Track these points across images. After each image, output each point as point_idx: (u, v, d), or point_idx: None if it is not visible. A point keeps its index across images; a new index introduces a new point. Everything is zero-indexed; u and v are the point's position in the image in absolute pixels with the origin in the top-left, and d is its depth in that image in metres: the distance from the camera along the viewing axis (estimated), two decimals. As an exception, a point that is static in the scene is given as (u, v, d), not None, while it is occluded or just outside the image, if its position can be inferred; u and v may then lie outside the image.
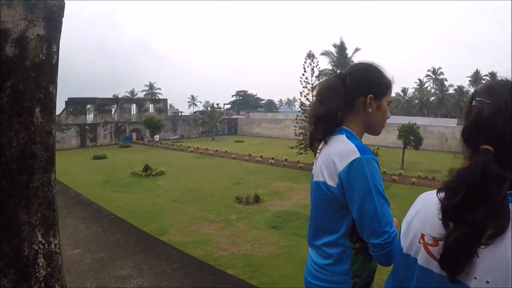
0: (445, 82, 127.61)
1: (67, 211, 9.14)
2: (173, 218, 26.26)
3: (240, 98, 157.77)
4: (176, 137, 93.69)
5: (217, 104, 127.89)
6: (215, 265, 18.33)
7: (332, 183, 2.48)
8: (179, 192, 34.36)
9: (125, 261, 5.73)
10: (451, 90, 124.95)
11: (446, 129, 66.59)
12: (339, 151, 2.46)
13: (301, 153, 44.83)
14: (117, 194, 35.03)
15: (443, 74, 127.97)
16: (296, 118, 47.40)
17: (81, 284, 5.28)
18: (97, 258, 5.99)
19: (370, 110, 2.62)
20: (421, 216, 1.93)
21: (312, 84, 45.88)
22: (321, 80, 55.77)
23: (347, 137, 2.53)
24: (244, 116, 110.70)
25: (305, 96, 45.45)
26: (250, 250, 20.29)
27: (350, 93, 2.63)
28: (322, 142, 2.68)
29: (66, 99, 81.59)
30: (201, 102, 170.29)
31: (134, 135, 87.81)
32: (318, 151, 2.75)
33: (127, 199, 32.55)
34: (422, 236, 1.87)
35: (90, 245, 6.61)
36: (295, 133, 47.23)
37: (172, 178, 41.08)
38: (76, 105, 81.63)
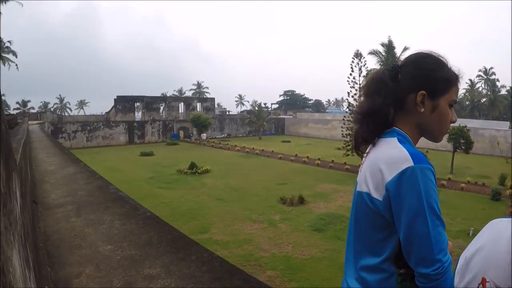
0: (497, 83, 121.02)
1: (105, 206, 9.07)
2: (216, 216, 26.29)
3: (288, 97, 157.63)
4: (223, 135, 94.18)
5: (265, 104, 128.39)
6: (255, 265, 18.25)
7: (377, 195, 2.05)
8: (224, 190, 34.40)
9: (155, 260, 5.58)
10: (503, 91, 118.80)
11: (498, 132, 63.97)
12: (388, 157, 2.05)
13: (347, 155, 44.17)
14: (162, 190, 35.48)
15: (495, 75, 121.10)
16: (343, 119, 46.74)
17: (109, 280, 5.18)
18: (127, 256, 5.87)
19: (422, 110, 2.17)
20: (485, 254, 1.57)
21: (359, 84, 45.13)
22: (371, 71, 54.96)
23: (399, 140, 2.12)
24: (291, 116, 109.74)
25: (352, 97, 44.81)
26: (292, 252, 20.01)
27: (400, 88, 2.21)
28: (370, 145, 2.28)
29: (115, 97, 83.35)
30: (248, 102, 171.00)
31: (181, 133, 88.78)
32: (364, 155, 2.33)
33: (171, 196, 32.91)
34: (483, 281, 1.51)
35: (123, 241, 6.50)
36: (342, 134, 46.57)
37: (218, 177, 41.15)
38: (125, 102, 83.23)
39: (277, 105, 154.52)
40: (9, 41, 77.96)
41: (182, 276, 5.03)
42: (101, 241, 6.62)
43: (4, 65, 75.58)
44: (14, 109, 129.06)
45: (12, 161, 2.31)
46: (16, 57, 77.35)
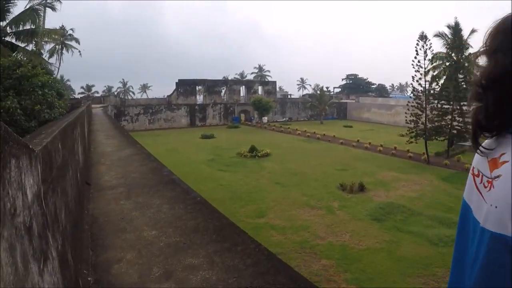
0: None
1: (156, 189, 8.92)
2: (274, 201, 26.03)
3: (350, 81, 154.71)
4: (284, 119, 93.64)
5: (327, 88, 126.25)
6: (310, 253, 17.86)
7: None
8: (283, 174, 34.05)
9: (199, 249, 5.32)
10: None
11: None
12: None
13: (411, 142, 42.65)
14: (221, 173, 35.56)
15: None
16: (407, 105, 45.06)
17: (148, 268, 4.98)
18: (171, 243, 5.65)
19: None
20: None
21: (424, 68, 43.39)
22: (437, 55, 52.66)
23: None
24: (353, 101, 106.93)
25: (417, 81, 43.04)
26: (348, 241, 19.49)
27: None
28: (495, 140, 1.48)
29: (177, 81, 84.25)
30: (310, 85, 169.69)
31: (242, 116, 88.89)
32: (485, 155, 1.51)
33: (230, 179, 32.94)
34: None
35: (168, 227, 6.29)
36: (406, 120, 44.89)
37: (277, 160, 40.84)
38: (186, 86, 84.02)
39: (339, 89, 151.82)
40: (71, 29, 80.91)
41: (225, 268, 4.74)
42: (147, 226, 6.43)
43: (68, 52, 78.79)
44: (79, 93, 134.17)
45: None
46: (79, 43, 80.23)
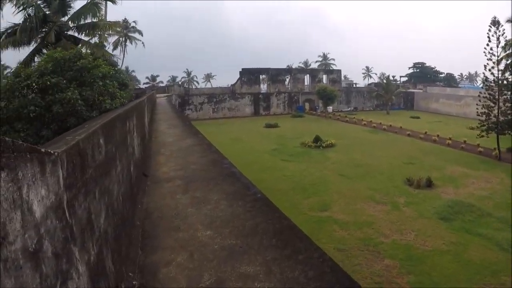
0: None
1: (215, 183, 8.54)
2: (338, 193, 25.40)
3: (417, 70, 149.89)
4: (349, 109, 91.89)
5: (393, 77, 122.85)
6: (373, 251, 17.14)
7: None
8: (348, 166, 33.23)
9: (256, 255, 4.85)
10: None
11: None
12: None
13: (481, 136, 40.08)
14: (285, 163, 35.12)
15: None
16: (479, 96, 42.58)
17: (199, 273, 4.61)
18: (226, 246, 5.23)
19: None
20: None
21: (497, 56, 40.80)
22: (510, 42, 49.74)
23: None
24: (421, 90, 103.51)
25: (489, 70, 40.50)
26: (414, 241, 18.53)
27: None
28: None
29: (241, 70, 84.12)
30: (376, 74, 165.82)
31: (307, 105, 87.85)
32: None
33: (294, 169, 32.46)
34: None
35: (224, 227, 5.87)
36: (477, 112, 42.36)
37: (342, 151, 39.94)
38: (250, 75, 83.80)
39: (405, 78, 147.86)
40: (134, 22, 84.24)
41: (284, 280, 4.26)
42: (202, 225, 6.05)
43: (131, 44, 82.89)
44: (144, 83, 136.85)
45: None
46: (142, 35, 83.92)
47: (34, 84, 15.29)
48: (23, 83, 15.60)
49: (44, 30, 27.93)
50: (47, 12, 28.09)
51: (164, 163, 11.39)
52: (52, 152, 2.35)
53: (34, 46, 27.93)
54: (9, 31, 28.19)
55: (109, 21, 33.54)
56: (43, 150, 2.19)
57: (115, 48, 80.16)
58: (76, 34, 29.92)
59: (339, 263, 15.26)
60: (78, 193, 2.90)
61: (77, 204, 2.84)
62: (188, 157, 12.28)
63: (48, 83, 15.15)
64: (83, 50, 25.87)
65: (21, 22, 27.59)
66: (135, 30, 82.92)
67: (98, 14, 29.94)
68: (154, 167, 11.02)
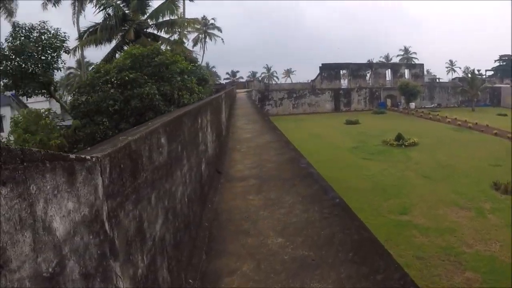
0: None
1: (291, 184, 8.15)
2: (420, 196, 24.23)
3: (504, 63, 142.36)
4: (432, 105, 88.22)
5: (478, 70, 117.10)
6: (454, 261, 16.06)
7: None
8: (430, 167, 31.77)
9: (329, 271, 4.44)
10: None
11: None
12: None
13: None
14: (365, 161, 34.31)
15: None
16: None
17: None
18: (297, 257, 4.82)
19: None
20: None
21: None
22: None
23: None
24: (508, 85, 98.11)
25: None
26: (498, 253, 17.00)
27: None
28: None
29: (320, 65, 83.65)
30: (460, 68, 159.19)
31: (388, 101, 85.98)
32: None
33: (375, 168, 31.55)
34: None
35: (297, 235, 5.47)
36: None
37: (425, 151, 38.26)
38: (330, 70, 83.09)
39: (491, 72, 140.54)
40: (213, 18, 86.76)
41: (358, 305, 3.83)
42: (273, 231, 5.70)
43: (211, 40, 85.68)
44: (224, 79, 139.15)
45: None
46: (221, 32, 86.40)
47: (113, 80, 15.62)
48: (102, 78, 15.96)
49: (124, 28, 28.93)
50: (127, 11, 28.94)
51: (239, 160, 11.15)
52: (88, 158, 2.06)
53: (115, 43, 28.89)
54: (90, 30, 29.45)
55: (187, 18, 34.08)
56: (72, 156, 1.89)
57: (195, 44, 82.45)
58: (155, 32, 30.79)
59: (418, 273, 14.56)
60: (126, 201, 2.63)
61: (123, 213, 2.56)
62: (265, 154, 11.98)
63: (127, 78, 15.46)
64: (163, 47, 26.53)
65: (101, 21, 28.64)
66: (214, 27, 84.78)
67: (175, 12, 30.71)
68: (229, 164, 10.80)
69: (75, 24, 43.40)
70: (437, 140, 43.65)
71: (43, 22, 22.10)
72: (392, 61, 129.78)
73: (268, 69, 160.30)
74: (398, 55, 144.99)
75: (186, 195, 5.20)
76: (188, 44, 55.84)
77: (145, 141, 3.27)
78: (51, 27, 22.22)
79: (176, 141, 4.76)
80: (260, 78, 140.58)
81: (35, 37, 21.50)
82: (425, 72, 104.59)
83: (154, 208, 3.37)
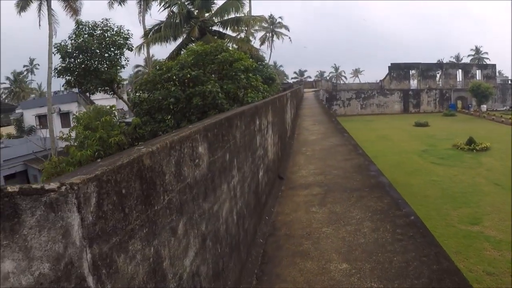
0: None
1: (359, 196, 7.31)
2: (492, 206, 22.53)
3: None
4: (504, 108, 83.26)
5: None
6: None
7: None
8: (504, 174, 29.42)
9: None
10: None
11: None
12: None
13: None
14: (434, 166, 32.68)
15: None
16: None
17: None
18: (363, 292, 3.94)
19: None
20: None
21: None
22: None
23: None
24: None
25: None
26: None
27: None
28: None
29: (389, 65, 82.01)
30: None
31: (459, 103, 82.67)
32: None
33: (444, 173, 29.95)
34: None
35: (365, 261, 4.71)
36: None
37: (497, 157, 36.01)
38: (399, 70, 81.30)
39: None
40: (280, 17, 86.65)
41: None
42: (337, 253, 4.93)
43: (278, 39, 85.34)
44: (292, 78, 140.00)
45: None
46: (289, 30, 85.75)
47: (174, 77, 15.17)
48: (164, 75, 15.56)
49: (188, 26, 28.76)
50: (191, 9, 28.71)
51: (303, 165, 10.42)
52: (52, 187, 1.37)
53: (180, 41, 28.68)
54: (156, 28, 29.39)
55: (253, 16, 33.52)
56: (14, 189, 1.21)
57: (262, 43, 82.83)
58: (221, 30, 30.51)
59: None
60: (130, 239, 1.94)
61: (125, 257, 1.88)
62: (330, 159, 11.17)
63: (188, 75, 14.96)
64: (229, 45, 26.13)
65: (165, 19, 28.59)
66: (282, 25, 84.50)
67: (241, 9, 30.27)
68: (292, 169, 10.09)
69: (141, 23, 43.70)
70: (510, 145, 41.18)
71: (106, 20, 22.13)
72: (462, 62, 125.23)
73: (336, 68, 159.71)
74: (469, 55, 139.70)
75: (235, 212, 4.49)
76: (255, 43, 55.85)
77: (169, 152, 2.56)
78: (113, 24, 22.23)
79: (222, 148, 4.04)
80: (328, 78, 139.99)
81: (98, 35, 21.51)
82: (497, 73, 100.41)
83: (182, 239, 2.67)
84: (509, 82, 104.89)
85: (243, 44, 29.48)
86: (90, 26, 21.33)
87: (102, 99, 35.14)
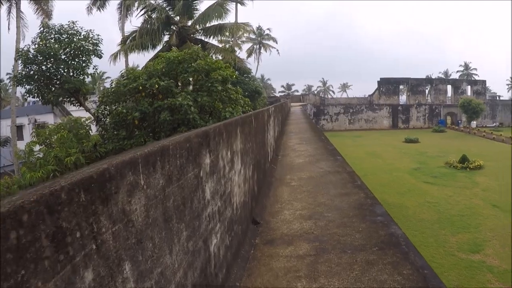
0: None
1: (365, 261, 5.35)
2: (492, 230, 21.06)
3: None
4: (494, 124, 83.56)
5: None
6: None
7: None
8: (501, 195, 27.88)
9: None
10: None
11: None
12: None
13: None
14: (428, 186, 31.10)
15: None
16: None
17: None
18: None
19: None
20: None
21: None
22: None
23: None
24: None
25: None
26: None
27: None
28: None
29: (379, 79, 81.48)
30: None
31: (448, 119, 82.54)
32: None
33: (438, 194, 28.37)
34: None
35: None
36: None
37: (492, 175, 34.59)
38: (389, 85, 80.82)
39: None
40: (268, 29, 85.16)
41: None
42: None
43: (266, 51, 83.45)
44: (279, 91, 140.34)
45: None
46: (277, 42, 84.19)
47: (140, 87, 13.05)
48: (129, 85, 13.44)
49: (168, 33, 26.93)
50: (172, 15, 26.80)
51: (287, 201, 8.35)
52: None
53: (159, 50, 26.66)
54: (134, 34, 27.27)
55: (238, 23, 31.52)
56: None
57: (249, 55, 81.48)
58: (203, 38, 28.65)
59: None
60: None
61: None
62: (322, 193, 9.03)
63: (157, 86, 12.84)
64: (213, 56, 24.38)
65: (141, 24, 26.79)
66: (270, 37, 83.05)
67: (223, 15, 28.40)
68: (272, 208, 8.02)
69: (121, 30, 41.36)
70: (504, 164, 39.28)
71: (73, 23, 19.93)
72: (451, 77, 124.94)
73: (324, 83, 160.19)
74: (457, 71, 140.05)
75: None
76: (240, 53, 54.38)
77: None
78: (81, 28, 20.03)
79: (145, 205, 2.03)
80: (315, 92, 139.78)
81: (64, 39, 19.34)
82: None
83: None
84: (498, 98, 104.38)
85: (227, 54, 27.78)
86: (56, 30, 19.28)
87: (79, 111, 33.01)
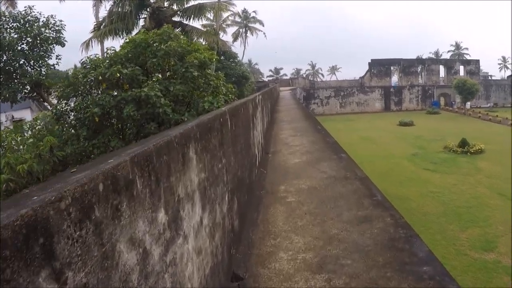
0: None
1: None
2: (503, 223, 19.34)
3: None
4: (488, 105, 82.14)
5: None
6: None
7: None
8: (506, 181, 25.85)
9: None
10: None
11: None
12: None
13: None
14: (428, 173, 29.17)
15: None
16: None
17: None
18: None
19: None
20: None
21: None
22: None
23: None
24: None
25: None
26: None
27: None
28: None
29: (369, 61, 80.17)
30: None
31: (442, 100, 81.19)
32: None
33: (441, 183, 26.41)
34: None
35: None
36: None
37: (494, 160, 32.59)
38: (380, 66, 79.57)
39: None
40: (254, 11, 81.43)
41: None
42: None
43: (252, 35, 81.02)
44: (267, 76, 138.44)
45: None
46: (263, 26, 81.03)
47: (100, 77, 10.82)
48: (89, 75, 11.22)
49: (144, 17, 24.53)
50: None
51: (283, 233, 5.50)
52: None
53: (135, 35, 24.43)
54: (107, 20, 24.98)
55: (221, 1, 28.99)
56: None
57: (235, 39, 78.97)
58: (183, 20, 26.26)
59: None
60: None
61: None
62: (332, 218, 6.49)
63: (117, 75, 10.59)
64: (195, 39, 22.38)
65: (110, 6, 24.69)
66: (256, 20, 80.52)
67: None
68: (262, 245, 5.42)
69: (95, 17, 38.82)
70: (504, 147, 37.21)
71: (30, 8, 17.66)
72: (442, 58, 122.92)
73: (313, 66, 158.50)
74: (449, 51, 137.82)
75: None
76: (225, 37, 52.38)
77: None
78: (40, 14, 17.81)
79: None
80: (304, 75, 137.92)
81: (21, 27, 17.10)
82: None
83: None
84: (490, 78, 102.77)
85: (209, 36, 25.65)
86: (13, 17, 17.11)
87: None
